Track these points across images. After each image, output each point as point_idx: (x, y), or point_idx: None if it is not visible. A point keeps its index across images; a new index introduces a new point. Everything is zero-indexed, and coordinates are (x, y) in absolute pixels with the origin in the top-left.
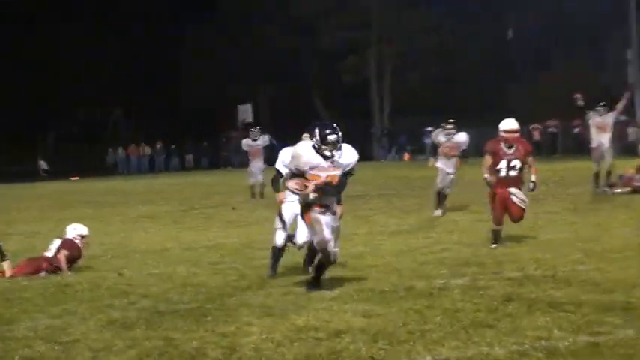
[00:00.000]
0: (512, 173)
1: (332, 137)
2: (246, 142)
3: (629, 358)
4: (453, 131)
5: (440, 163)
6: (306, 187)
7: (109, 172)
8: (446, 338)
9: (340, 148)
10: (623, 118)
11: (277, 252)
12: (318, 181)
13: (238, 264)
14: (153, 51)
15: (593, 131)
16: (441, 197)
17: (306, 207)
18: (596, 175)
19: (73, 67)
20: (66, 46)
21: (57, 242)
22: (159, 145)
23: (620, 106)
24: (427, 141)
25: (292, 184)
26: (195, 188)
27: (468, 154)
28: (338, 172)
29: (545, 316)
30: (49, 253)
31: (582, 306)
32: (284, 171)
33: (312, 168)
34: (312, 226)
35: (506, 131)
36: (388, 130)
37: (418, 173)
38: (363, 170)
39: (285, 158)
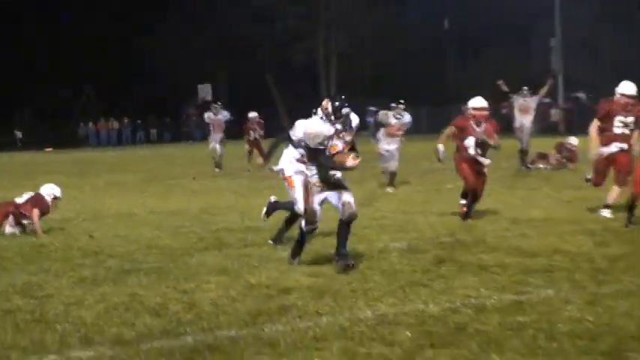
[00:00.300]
0: (479, 151)
1: (345, 110)
2: (208, 116)
3: (548, 315)
4: (403, 111)
5: (381, 144)
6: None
7: (80, 144)
8: (385, 296)
9: (351, 121)
10: (546, 100)
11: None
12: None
13: (198, 228)
14: (122, 34)
15: (516, 112)
16: (391, 175)
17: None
18: (521, 152)
19: (48, 48)
20: (40, 29)
21: (29, 194)
22: (126, 120)
23: (543, 91)
24: (369, 119)
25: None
26: (159, 159)
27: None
28: (349, 138)
29: (474, 277)
30: (19, 200)
31: (508, 268)
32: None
33: (331, 139)
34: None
35: (475, 108)
36: None
37: (360, 148)
38: None
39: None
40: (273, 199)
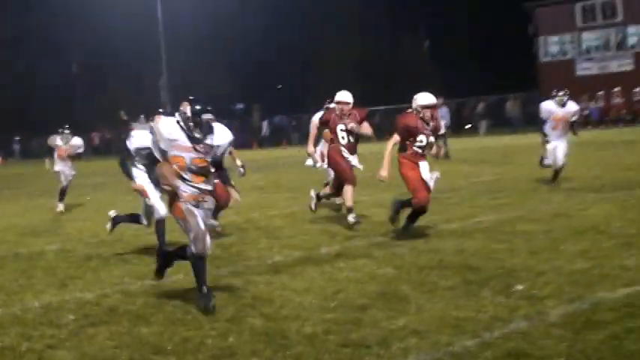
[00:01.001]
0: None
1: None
2: None
3: (183, 293)
4: (70, 136)
5: (58, 166)
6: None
7: None
8: (48, 288)
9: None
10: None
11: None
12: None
13: None
14: None
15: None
16: (62, 190)
17: (175, 197)
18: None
19: None
20: None
21: None
22: None
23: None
24: (15, 147)
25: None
26: None
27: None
28: (207, 157)
29: (118, 268)
30: None
31: (144, 260)
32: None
33: (174, 146)
34: (183, 219)
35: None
36: None
37: (8, 172)
38: None
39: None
40: (113, 213)
